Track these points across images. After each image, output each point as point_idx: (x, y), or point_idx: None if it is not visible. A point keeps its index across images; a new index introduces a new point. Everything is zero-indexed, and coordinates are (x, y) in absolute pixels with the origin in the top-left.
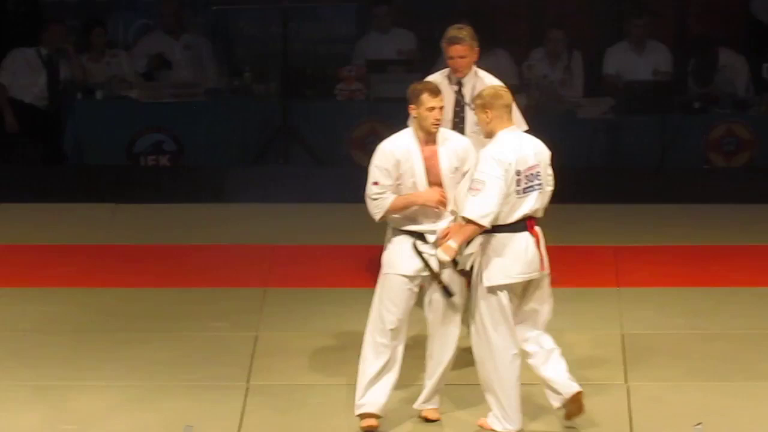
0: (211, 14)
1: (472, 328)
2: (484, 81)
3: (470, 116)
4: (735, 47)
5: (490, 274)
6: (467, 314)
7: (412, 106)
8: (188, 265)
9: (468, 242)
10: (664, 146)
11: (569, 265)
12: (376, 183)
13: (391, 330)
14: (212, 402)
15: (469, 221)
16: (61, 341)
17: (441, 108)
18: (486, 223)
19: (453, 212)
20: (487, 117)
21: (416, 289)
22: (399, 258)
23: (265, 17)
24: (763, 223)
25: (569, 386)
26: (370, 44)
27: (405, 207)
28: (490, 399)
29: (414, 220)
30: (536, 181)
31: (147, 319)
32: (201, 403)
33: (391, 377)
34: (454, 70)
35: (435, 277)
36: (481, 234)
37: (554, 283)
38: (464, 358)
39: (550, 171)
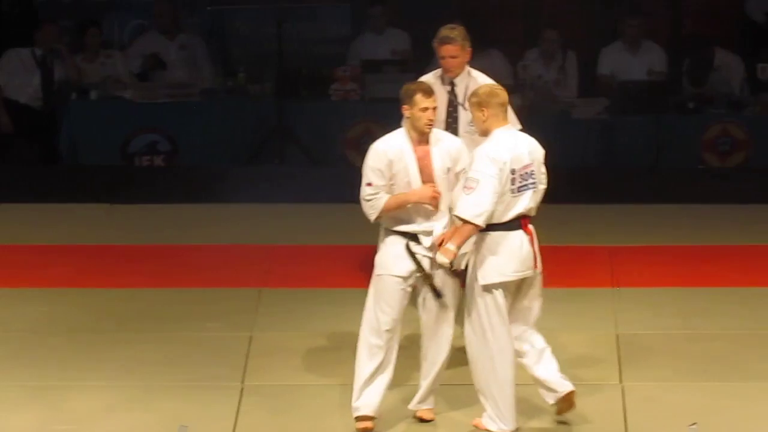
0: (206, 14)
1: (468, 328)
2: (478, 81)
3: (463, 116)
4: (729, 47)
5: (485, 273)
6: (461, 314)
7: (405, 106)
8: (183, 266)
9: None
10: (658, 146)
11: (564, 266)
12: (369, 184)
13: (386, 331)
14: (207, 402)
15: (463, 221)
16: (56, 342)
17: (434, 108)
18: (480, 222)
19: (454, 215)
20: (483, 115)
21: (409, 290)
22: (392, 259)
23: (260, 17)
24: (759, 223)
25: (563, 385)
26: (365, 44)
27: (399, 206)
28: (484, 399)
29: (407, 221)
30: (530, 180)
31: (141, 320)
32: (196, 404)
33: (385, 378)
34: (446, 70)
35: (426, 278)
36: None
37: (549, 283)
38: (458, 357)
39: (543, 169)
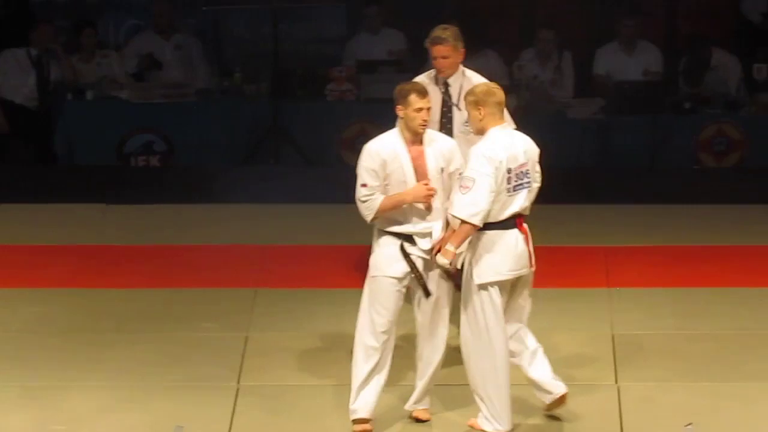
0: (202, 15)
1: (464, 328)
2: (472, 81)
3: (458, 116)
4: (726, 48)
5: (481, 272)
6: (456, 314)
7: (399, 106)
8: (178, 266)
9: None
10: (654, 146)
11: (560, 266)
12: (364, 185)
13: (382, 332)
14: (203, 403)
15: (460, 221)
16: (51, 342)
17: (428, 109)
18: (477, 221)
19: (450, 214)
20: (480, 114)
21: (404, 291)
22: (387, 260)
23: (256, 18)
24: (755, 223)
25: (557, 387)
26: (361, 45)
27: (395, 206)
28: (480, 399)
29: (402, 222)
30: (525, 179)
31: (137, 320)
32: (192, 404)
33: (381, 379)
34: (438, 71)
35: (419, 278)
36: None
37: (545, 283)
38: (454, 357)
39: (538, 168)
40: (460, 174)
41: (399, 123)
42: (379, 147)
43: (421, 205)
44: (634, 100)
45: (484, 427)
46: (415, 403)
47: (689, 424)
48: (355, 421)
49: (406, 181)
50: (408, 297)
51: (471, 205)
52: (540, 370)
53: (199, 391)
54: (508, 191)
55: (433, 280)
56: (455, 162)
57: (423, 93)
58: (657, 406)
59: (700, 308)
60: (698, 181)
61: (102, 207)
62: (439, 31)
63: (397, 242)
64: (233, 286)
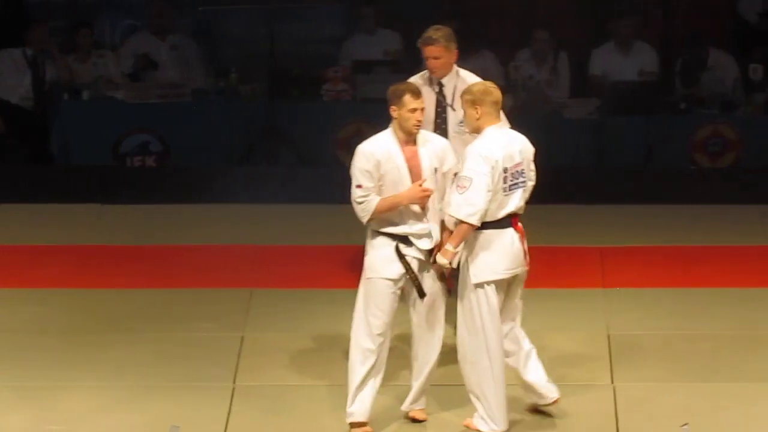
0: (198, 15)
1: (461, 327)
2: (466, 81)
3: (452, 117)
4: (722, 47)
5: (477, 271)
6: (451, 315)
7: (393, 107)
8: (175, 266)
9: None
10: (649, 147)
11: (555, 266)
12: (359, 186)
13: (378, 335)
14: (198, 403)
15: (458, 221)
16: (47, 342)
17: (422, 109)
18: (475, 221)
19: (448, 214)
20: (477, 113)
21: (399, 292)
22: (382, 262)
23: (252, 18)
24: (749, 224)
25: (550, 391)
26: (357, 45)
27: (391, 208)
28: (476, 399)
29: (397, 223)
30: (521, 179)
31: (133, 320)
32: (187, 404)
33: (377, 381)
34: (431, 71)
35: (414, 280)
36: None
37: (541, 284)
38: (450, 357)
39: (533, 167)
40: (454, 174)
41: (392, 123)
42: (373, 148)
43: (416, 207)
44: (630, 101)
45: (480, 427)
46: (412, 403)
47: (685, 424)
48: (353, 425)
49: (400, 182)
50: (402, 297)
51: (468, 205)
52: (534, 373)
53: (195, 391)
54: (505, 191)
55: (428, 281)
56: (448, 162)
57: (417, 93)
58: (653, 406)
59: (695, 308)
60: (693, 182)
61: (98, 207)
62: (431, 32)
63: (392, 243)
64: (229, 287)
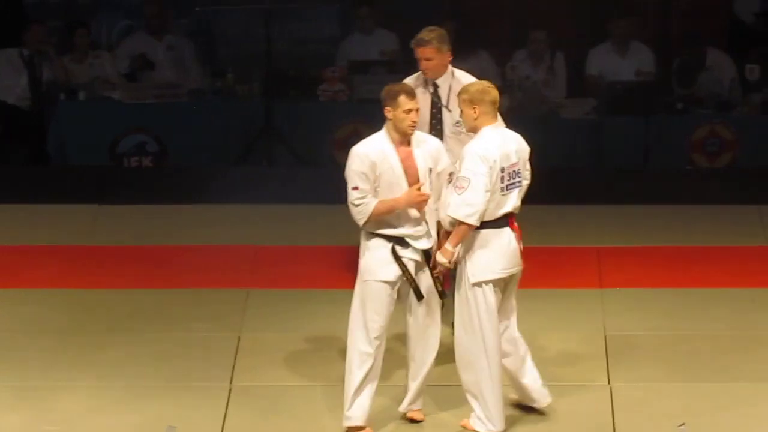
0: (194, 15)
1: (459, 327)
2: (461, 81)
3: (447, 117)
4: (719, 48)
5: (475, 270)
6: (447, 315)
7: (388, 108)
8: (171, 267)
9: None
10: (647, 147)
11: (552, 266)
12: (356, 188)
13: (375, 338)
14: (195, 403)
15: (457, 221)
16: (44, 342)
17: (417, 110)
18: (473, 221)
19: (447, 215)
20: (474, 113)
21: (396, 294)
22: (379, 264)
23: (248, 18)
24: (746, 224)
25: (543, 396)
26: (353, 45)
27: (388, 211)
28: (473, 400)
29: (393, 225)
30: (517, 179)
31: (130, 321)
32: (184, 405)
33: (374, 384)
34: (423, 72)
35: (411, 281)
36: None
37: (538, 284)
38: (447, 357)
39: (528, 166)
40: (449, 174)
41: (387, 125)
42: (367, 149)
43: (413, 210)
44: (627, 101)
45: (477, 428)
46: (410, 404)
47: (682, 424)
48: (351, 429)
49: (396, 183)
50: (398, 297)
51: (467, 205)
52: (530, 376)
53: (191, 392)
54: (502, 190)
55: (425, 281)
56: (443, 162)
57: (412, 94)
58: (650, 406)
59: (693, 308)
60: (691, 182)
61: (94, 207)
62: (423, 33)
63: (387, 245)
64: (225, 287)
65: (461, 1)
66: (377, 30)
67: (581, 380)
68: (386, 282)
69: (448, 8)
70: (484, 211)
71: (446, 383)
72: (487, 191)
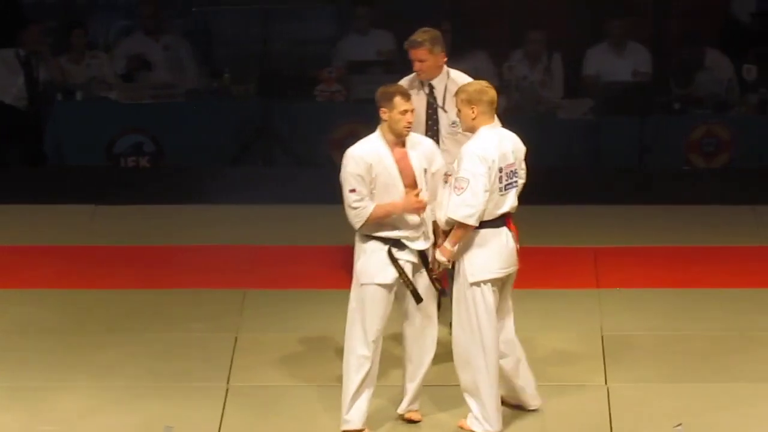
0: (191, 15)
1: (457, 327)
2: (457, 81)
3: (444, 118)
4: (716, 48)
5: (474, 270)
6: (447, 314)
7: (383, 109)
8: (168, 267)
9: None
10: (643, 147)
11: (549, 267)
12: (353, 190)
13: (373, 341)
14: (192, 403)
15: (456, 222)
16: (40, 343)
17: (412, 111)
18: (473, 222)
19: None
20: (473, 113)
21: (393, 297)
22: (375, 267)
23: (245, 18)
24: (743, 224)
25: (534, 398)
26: (350, 45)
27: (385, 216)
28: (470, 400)
29: (390, 227)
30: (514, 178)
31: (127, 321)
32: (181, 405)
33: (372, 387)
34: (417, 73)
35: (408, 284)
36: None
37: (534, 284)
38: (444, 357)
39: (523, 165)
40: (444, 174)
41: (381, 126)
42: (363, 152)
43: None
44: (624, 101)
45: (474, 428)
46: (409, 405)
47: (679, 424)
48: None
49: (392, 184)
50: (395, 298)
51: (466, 206)
52: (523, 378)
53: (188, 392)
54: (501, 190)
55: (422, 283)
56: (437, 162)
57: (407, 95)
58: (646, 406)
59: (689, 309)
60: (687, 182)
61: (91, 208)
62: (416, 35)
63: (384, 247)
64: (223, 287)
65: (458, 1)
66: (374, 30)
67: (578, 380)
68: (384, 285)
69: (446, 8)
70: (484, 211)
71: (444, 383)
72: (486, 192)
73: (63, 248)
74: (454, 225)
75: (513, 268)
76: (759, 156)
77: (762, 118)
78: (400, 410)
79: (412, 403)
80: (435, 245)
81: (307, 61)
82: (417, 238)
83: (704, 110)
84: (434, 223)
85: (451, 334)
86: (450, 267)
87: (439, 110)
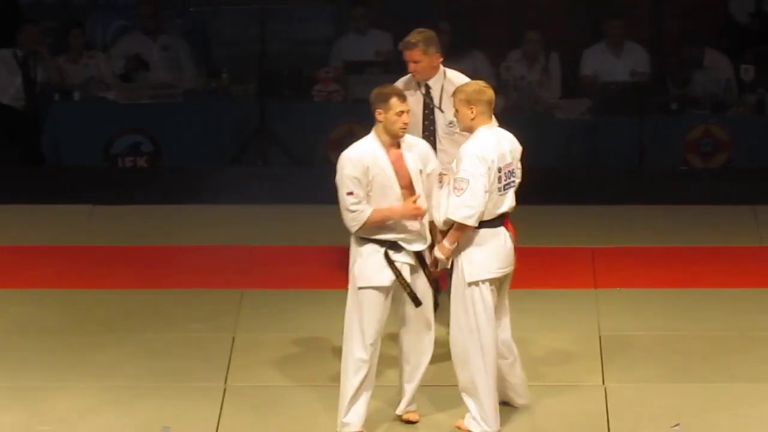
0: (189, 15)
1: (455, 327)
2: (453, 82)
3: (440, 118)
4: (714, 48)
5: (472, 270)
6: (445, 314)
7: (379, 110)
8: (165, 267)
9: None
10: (641, 147)
11: (547, 267)
12: (350, 193)
13: (371, 345)
14: (190, 403)
15: (456, 223)
16: (38, 343)
17: (408, 112)
18: (472, 222)
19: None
20: (471, 113)
21: (390, 300)
22: (373, 270)
23: (243, 18)
24: (741, 224)
25: (525, 397)
26: (348, 45)
27: (383, 221)
28: (468, 400)
29: (387, 230)
30: (512, 178)
31: (124, 321)
32: (178, 405)
33: (370, 391)
34: (412, 74)
35: (405, 287)
36: None
37: (532, 284)
38: (442, 357)
39: (519, 165)
40: (440, 174)
41: (376, 127)
42: (359, 154)
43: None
44: (621, 101)
45: (472, 428)
46: (407, 406)
47: (676, 424)
48: None
49: (389, 185)
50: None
51: (466, 207)
52: (517, 377)
53: (186, 392)
54: (500, 190)
55: (419, 284)
56: (431, 163)
57: (403, 96)
58: (644, 406)
59: (687, 309)
60: (685, 182)
61: (89, 208)
62: (411, 36)
63: (380, 250)
64: (220, 287)
65: (456, 1)
66: (372, 30)
67: (575, 380)
68: (381, 288)
69: (443, 8)
70: (483, 211)
71: (442, 383)
72: (485, 192)
73: (62, 248)
74: (452, 225)
75: (510, 268)
76: (757, 156)
77: (760, 119)
78: (398, 411)
79: (410, 404)
80: (432, 245)
81: (305, 61)
82: (414, 240)
83: (702, 110)
84: (431, 223)
85: (449, 333)
86: (448, 266)
87: (436, 110)
